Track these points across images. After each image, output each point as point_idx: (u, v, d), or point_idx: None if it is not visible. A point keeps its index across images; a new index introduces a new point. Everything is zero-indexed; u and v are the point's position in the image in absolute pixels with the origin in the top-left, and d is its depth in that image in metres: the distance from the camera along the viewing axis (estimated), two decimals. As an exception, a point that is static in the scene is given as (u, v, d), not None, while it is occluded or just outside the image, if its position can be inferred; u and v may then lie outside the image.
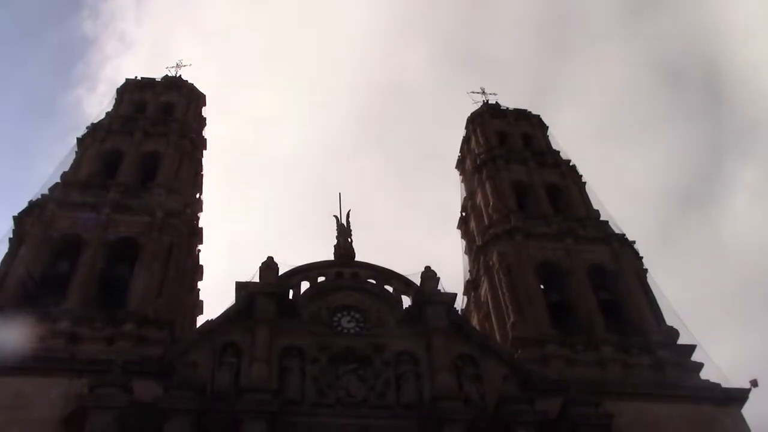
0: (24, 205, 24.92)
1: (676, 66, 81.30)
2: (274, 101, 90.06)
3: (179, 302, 24.21)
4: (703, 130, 79.02)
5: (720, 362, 22.54)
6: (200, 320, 27.39)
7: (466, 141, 35.63)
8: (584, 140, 73.11)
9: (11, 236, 24.06)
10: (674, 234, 74.28)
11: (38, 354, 19.37)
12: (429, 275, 22.69)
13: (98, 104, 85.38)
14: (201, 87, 34.92)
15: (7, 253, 23.26)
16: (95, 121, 30.61)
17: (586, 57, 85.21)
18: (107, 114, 31.62)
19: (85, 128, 30.11)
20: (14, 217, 24.52)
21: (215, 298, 37.63)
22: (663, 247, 65.44)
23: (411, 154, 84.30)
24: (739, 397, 21.16)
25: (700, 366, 22.34)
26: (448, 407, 18.67)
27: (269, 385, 18.94)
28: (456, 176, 36.33)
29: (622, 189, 67.16)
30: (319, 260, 23.62)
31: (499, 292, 24.96)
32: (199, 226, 28.49)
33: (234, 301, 21.52)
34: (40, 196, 25.29)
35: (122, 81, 34.53)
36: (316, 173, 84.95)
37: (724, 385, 21.48)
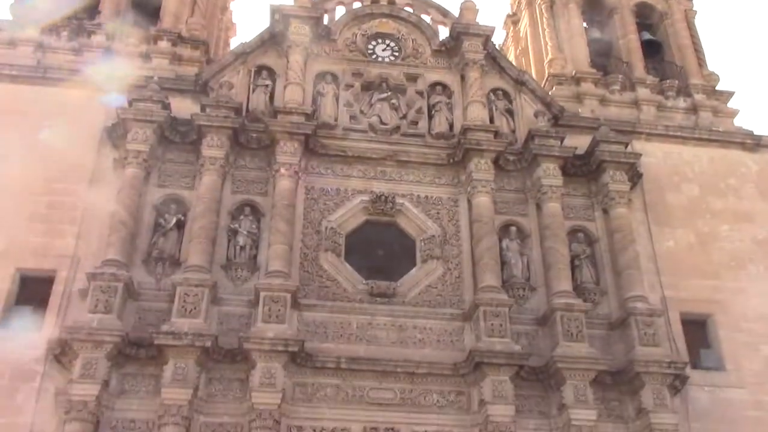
0: None
1: None
2: None
3: (213, 22, 23.91)
4: None
5: (758, 111, 22.28)
6: (234, 43, 27.23)
7: None
8: None
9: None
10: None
11: (77, 67, 19.60)
12: (468, 6, 21.83)
13: None
14: None
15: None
16: None
17: None
18: None
19: None
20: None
21: (249, 24, 36.94)
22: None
23: None
24: (769, 144, 21.18)
25: (735, 112, 22.16)
26: (477, 138, 18.94)
27: (303, 107, 19.17)
28: None
29: None
30: (356, -15, 22.75)
31: (540, 28, 24.20)
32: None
33: (268, 25, 21.16)
34: None
35: None
36: None
37: (756, 132, 21.47)
